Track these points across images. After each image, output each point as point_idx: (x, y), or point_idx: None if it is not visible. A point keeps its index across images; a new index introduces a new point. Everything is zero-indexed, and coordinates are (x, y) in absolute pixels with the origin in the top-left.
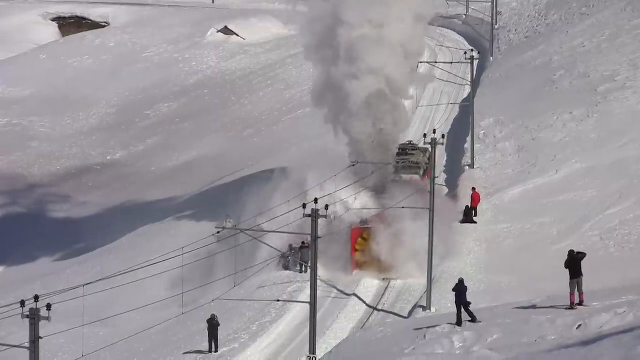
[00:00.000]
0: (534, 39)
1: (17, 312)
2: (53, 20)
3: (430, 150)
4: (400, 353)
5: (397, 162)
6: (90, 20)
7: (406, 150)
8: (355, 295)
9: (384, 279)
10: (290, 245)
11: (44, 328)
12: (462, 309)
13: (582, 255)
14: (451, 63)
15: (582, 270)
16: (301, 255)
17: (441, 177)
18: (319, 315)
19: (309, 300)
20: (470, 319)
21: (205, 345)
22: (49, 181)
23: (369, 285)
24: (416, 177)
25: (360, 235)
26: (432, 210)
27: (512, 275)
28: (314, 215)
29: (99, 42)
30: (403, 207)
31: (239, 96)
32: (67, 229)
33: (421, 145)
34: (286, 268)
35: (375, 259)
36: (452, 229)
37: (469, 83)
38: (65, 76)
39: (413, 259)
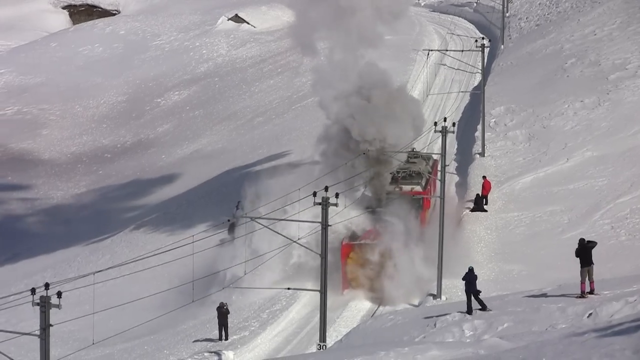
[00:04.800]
0: (545, 27)
1: (28, 300)
2: (64, 8)
3: (434, 158)
4: (411, 341)
5: (397, 172)
6: (101, 8)
7: (407, 158)
8: None
9: (376, 301)
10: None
11: (54, 315)
12: (473, 298)
13: (592, 243)
14: (462, 51)
15: (593, 259)
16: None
17: (452, 166)
18: (329, 303)
19: (319, 288)
20: (480, 307)
21: (215, 334)
22: (59, 169)
23: None
24: (417, 188)
25: (352, 252)
26: (443, 198)
27: (522, 264)
28: (324, 204)
29: (109, 30)
30: (413, 196)
31: (249, 84)
32: (77, 217)
33: (424, 151)
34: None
35: (367, 277)
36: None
37: (480, 71)
38: (75, 64)
39: (408, 280)
